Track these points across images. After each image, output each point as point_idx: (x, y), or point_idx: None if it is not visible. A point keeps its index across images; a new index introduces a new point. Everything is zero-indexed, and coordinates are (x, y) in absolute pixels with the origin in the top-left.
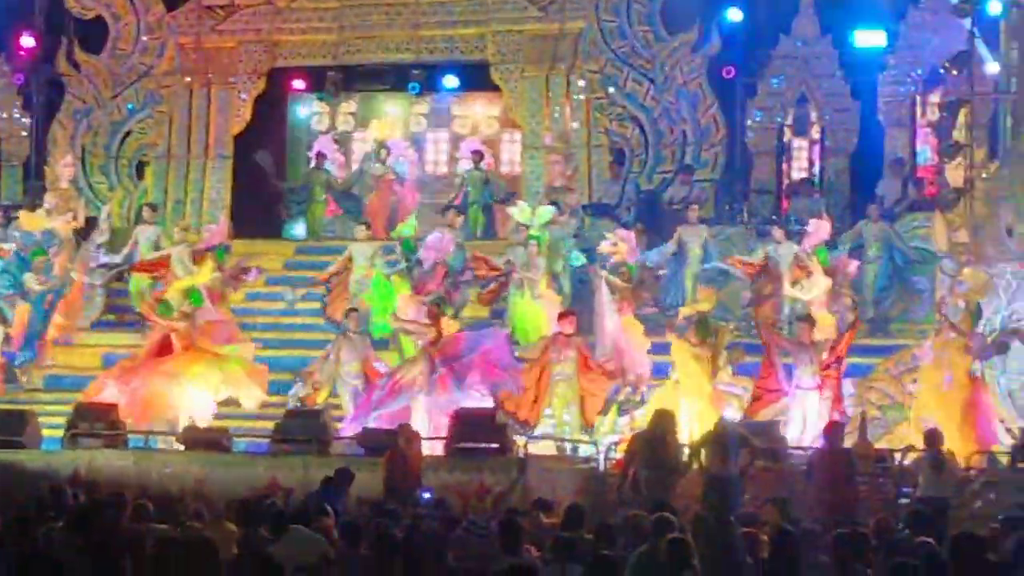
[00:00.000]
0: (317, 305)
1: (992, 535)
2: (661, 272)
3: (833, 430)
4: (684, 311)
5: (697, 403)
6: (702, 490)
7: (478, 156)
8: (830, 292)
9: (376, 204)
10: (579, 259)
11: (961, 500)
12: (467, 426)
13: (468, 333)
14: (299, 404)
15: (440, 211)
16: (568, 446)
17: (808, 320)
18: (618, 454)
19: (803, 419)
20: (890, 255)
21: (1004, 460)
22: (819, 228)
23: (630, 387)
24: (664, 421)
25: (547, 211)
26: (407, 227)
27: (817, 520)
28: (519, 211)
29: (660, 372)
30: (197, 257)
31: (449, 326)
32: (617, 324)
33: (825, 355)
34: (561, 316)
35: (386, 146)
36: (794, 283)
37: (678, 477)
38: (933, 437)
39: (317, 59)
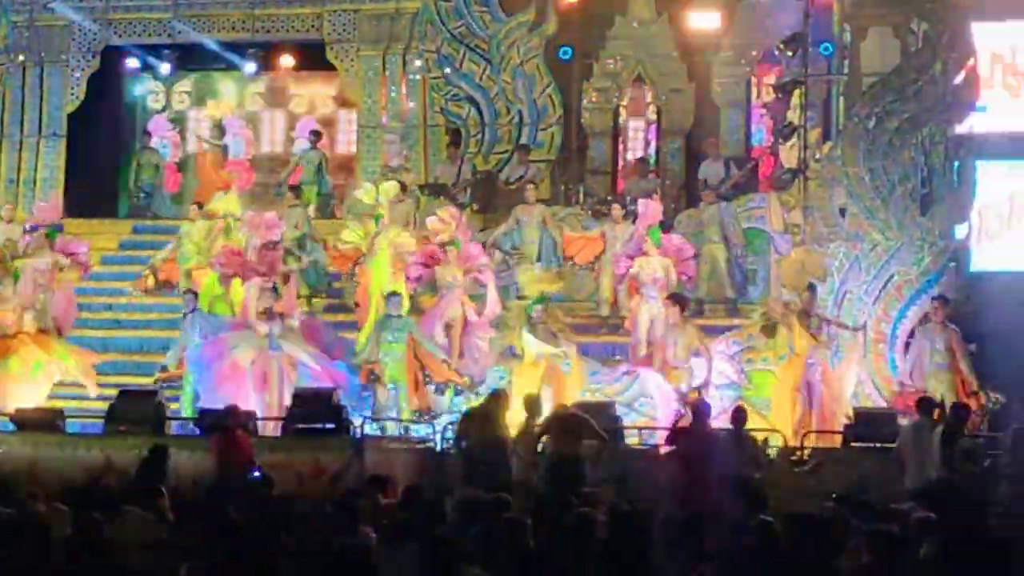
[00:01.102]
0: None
1: (824, 513)
2: (513, 253)
3: (696, 408)
4: (529, 290)
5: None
6: (544, 470)
7: (314, 136)
8: (665, 273)
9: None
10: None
11: (794, 480)
12: (304, 405)
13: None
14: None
15: (274, 190)
16: (401, 426)
17: (677, 301)
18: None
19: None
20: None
21: (838, 439)
22: (650, 209)
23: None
24: (495, 401)
25: (391, 187)
26: (229, 203)
27: (664, 500)
28: (364, 192)
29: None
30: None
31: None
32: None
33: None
34: (389, 296)
35: (222, 125)
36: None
37: (509, 457)
38: (738, 415)
39: (152, 37)
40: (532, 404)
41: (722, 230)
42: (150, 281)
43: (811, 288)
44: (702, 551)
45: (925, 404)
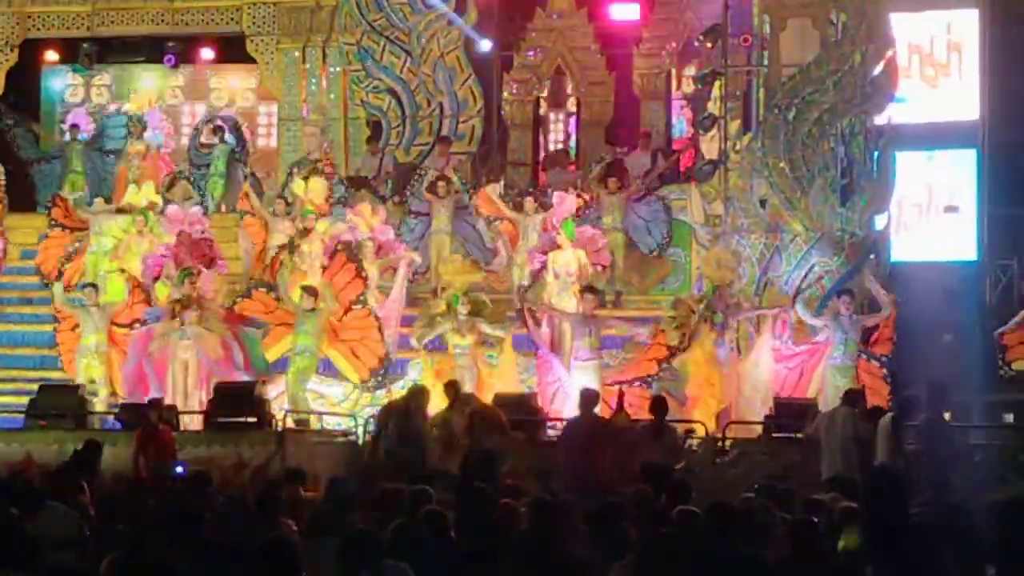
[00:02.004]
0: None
1: (747, 504)
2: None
3: (585, 398)
4: (442, 282)
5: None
6: (462, 464)
7: (222, 129)
8: (584, 263)
9: (125, 177)
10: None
11: (716, 470)
12: (226, 399)
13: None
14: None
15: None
16: (321, 419)
17: (592, 291)
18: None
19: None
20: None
21: (760, 430)
22: (564, 201)
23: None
24: (415, 395)
25: (320, 183)
26: (143, 195)
27: (574, 491)
28: (294, 186)
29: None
30: None
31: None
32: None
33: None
34: (304, 290)
35: (142, 119)
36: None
37: (429, 450)
38: (657, 405)
39: (71, 30)
40: (453, 391)
41: (624, 219)
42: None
43: (720, 287)
44: (622, 541)
45: (849, 395)
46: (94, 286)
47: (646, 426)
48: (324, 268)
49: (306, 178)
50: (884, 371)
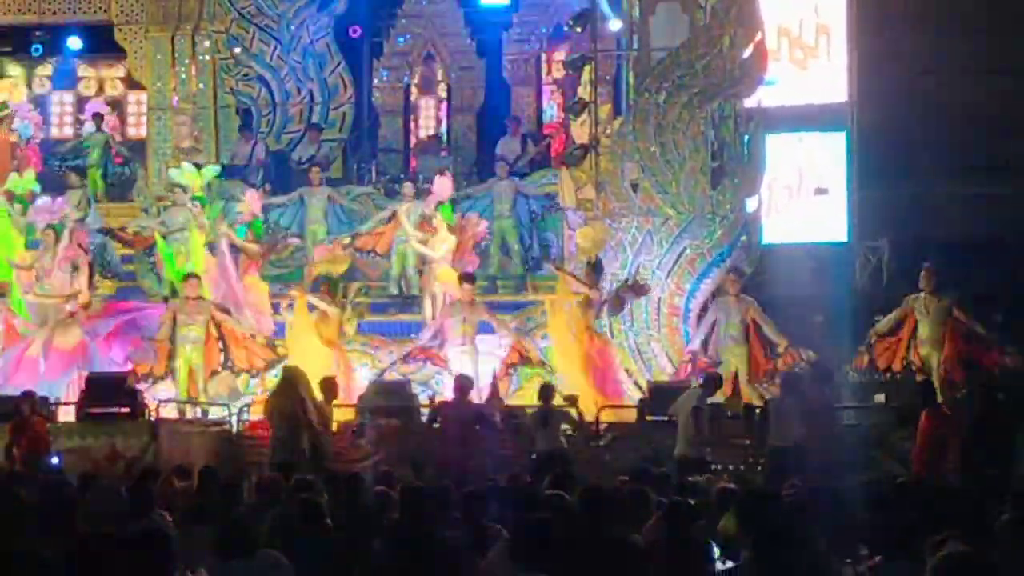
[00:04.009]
0: None
1: (619, 487)
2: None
3: (459, 384)
4: (317, 270)
5: (324, 361)
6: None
7: (99, 118)
8: (457, 250)
9: None
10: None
11: (590, 454)
12: (98, 390)
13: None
14: None
15: (60, 174)
16: (198, 410)
17: (467, 278)
18: (251, 416)
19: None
20: (518, 210)
21: (633, 413)
22: (441, 186)
23: None
24: (287, 376)
25: (212, 170)
26: (24, 183)
27: (447, 476)
28: (181, 173)
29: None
30: None
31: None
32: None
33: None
34: (187, 279)
35: (8, 107)
36: (422, 241)
37: (302, 433)
38: (544, 392)
39: None
40: (329, 386)
41: (514, 205)
42: None
43: (591, 264)
44: (496, 527)
45: (710, 379)
46: None
47: (534, 413)
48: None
49: (199, 166)
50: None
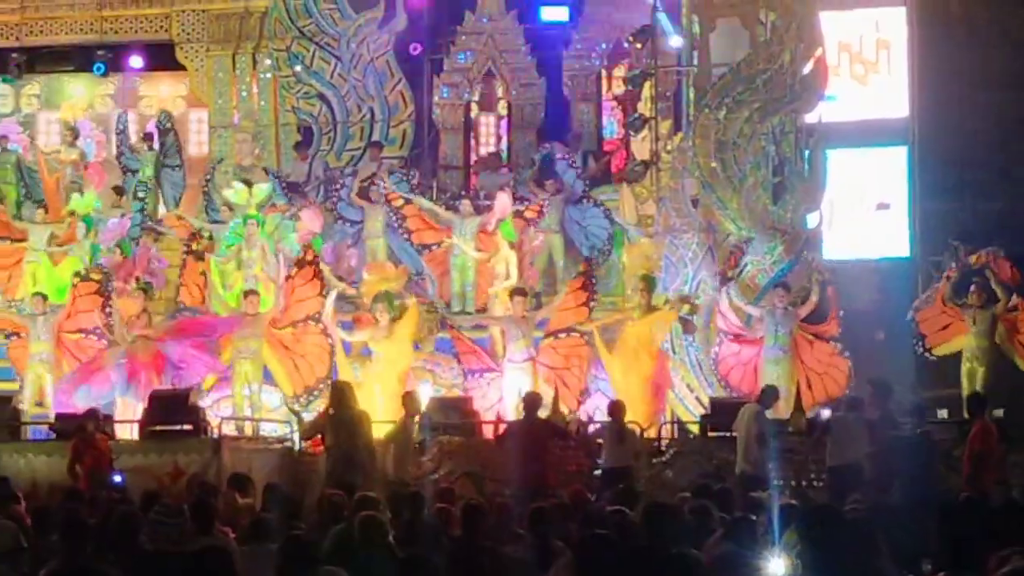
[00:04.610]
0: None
1: (682, 503)
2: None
3: (528, 401)
4: (371, 289)
5: (389, 379)
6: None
7: (150, 137)
8: (518, 265)
9: (54, 186)
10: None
11: (652, 470)
12: (161, 407)
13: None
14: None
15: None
16: (257, 426)
17: (521, 293)
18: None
19: (518, 393)
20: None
21: (695, 429)
22: (502, 203)
23: None
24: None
25: (264, 189)
26: (86, 203)
27: (513, 492)
28: (234, 192)
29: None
30: None
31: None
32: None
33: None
34: (246, 295)
35: (74, 127)
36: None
37: (367, 454)
38: (614, 408)
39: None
40: (410, 400)
41: (561, 220)
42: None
43: (645, 280)
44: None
45: (766, 393)
46: (43, 295)
47: (608, 428)
48: (289, 277)
49: (249, 184)
50: (838, 347)
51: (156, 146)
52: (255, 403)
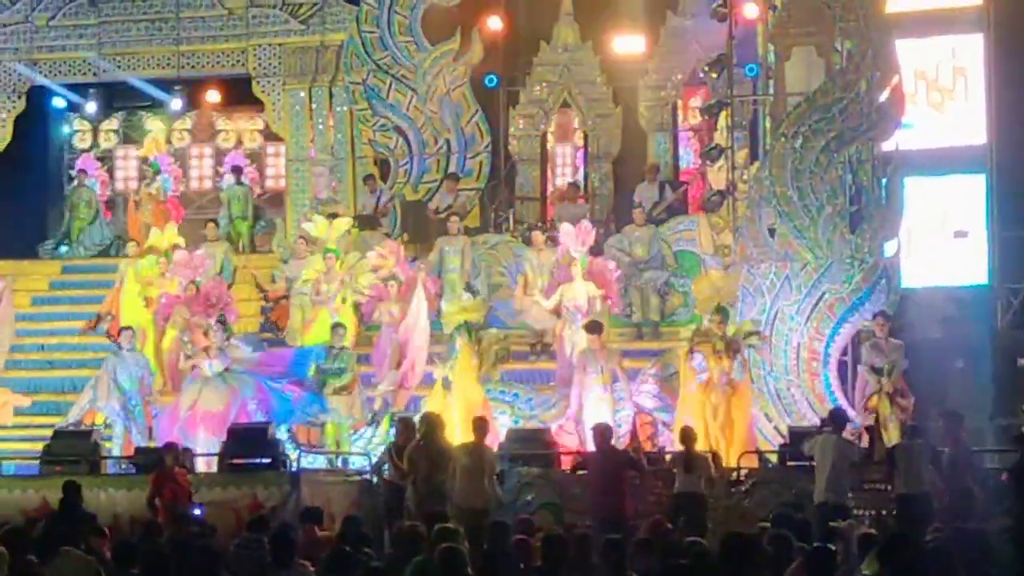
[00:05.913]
0: (82, 324)
1: (761, 533)
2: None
3: (600, 433)
4: (451, 320)
5: (466, 408)
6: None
7: (238, 171)
8: (593, 296)
9: (139, 221)
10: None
11: (731, 500)
12: (239, 441)
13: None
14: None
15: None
16: (339, 459)
17: (591, 328)
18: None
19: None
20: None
21: (774, 459)
22: (579, 233)
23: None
24: (432, 427)
25: (343, 223)
26: (167, 237)
27: (592, 523)
28: (313, 226)
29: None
30: None
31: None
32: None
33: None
34: (334, 328)
35: (154, 163)
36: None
37: (448, 482)
38: (685, 436)
39: (77, 77)
40: (480, 425)
41: (652, 252)
42: (104, 323)
43: (720, 311)
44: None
45: (836, 415)
46: (130, 328)
47: (678, 457)
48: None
49: (331, 217)
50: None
51: (245, 180)
52: (341, 437)
